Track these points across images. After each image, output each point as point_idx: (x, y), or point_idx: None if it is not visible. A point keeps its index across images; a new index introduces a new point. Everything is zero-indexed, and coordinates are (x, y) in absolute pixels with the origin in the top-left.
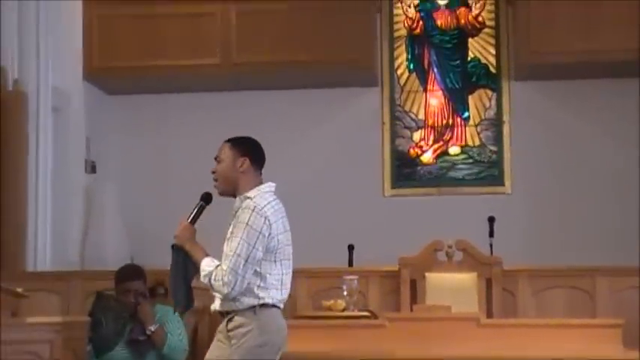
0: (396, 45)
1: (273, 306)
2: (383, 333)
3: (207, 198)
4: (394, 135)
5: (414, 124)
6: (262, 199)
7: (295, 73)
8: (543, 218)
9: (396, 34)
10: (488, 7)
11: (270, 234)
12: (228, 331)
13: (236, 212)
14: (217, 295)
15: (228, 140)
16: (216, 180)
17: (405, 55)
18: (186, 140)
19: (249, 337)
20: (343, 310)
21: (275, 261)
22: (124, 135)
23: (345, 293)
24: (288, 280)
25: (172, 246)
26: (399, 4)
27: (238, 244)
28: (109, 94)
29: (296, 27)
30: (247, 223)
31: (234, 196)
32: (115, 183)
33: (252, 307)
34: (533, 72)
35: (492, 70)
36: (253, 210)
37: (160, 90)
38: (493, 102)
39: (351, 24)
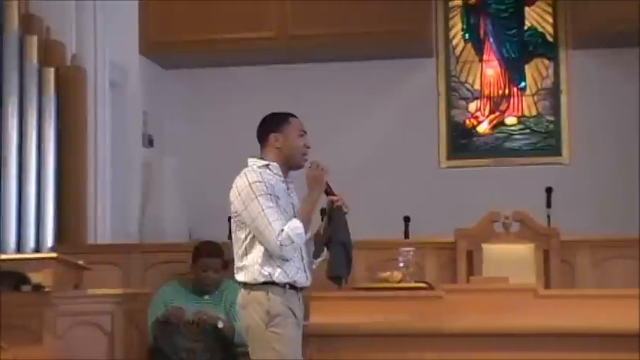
0: (451, 15)
1: None
2: (439, 304)
3: None
4: (450, 106)
5: (469, 95)
6: None
7: (350, 45)
8: (602, 189)
9: (451, 4)
10: None
11: None
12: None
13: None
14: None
15: None
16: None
17: (460, 25)
18: (243, 113)
19: None
20: (399, 281)
21: None
22: (181, 109)
23: (401, 265)
24: None
25: (335, 208)
26: None
27: None
28: (166, 69)
29: None
30: None
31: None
32: (172, 157)
33: None
34: (591, 40)
35: (549, 38)
36: None
37: (216, 64)
38: (550, 71)
39: None
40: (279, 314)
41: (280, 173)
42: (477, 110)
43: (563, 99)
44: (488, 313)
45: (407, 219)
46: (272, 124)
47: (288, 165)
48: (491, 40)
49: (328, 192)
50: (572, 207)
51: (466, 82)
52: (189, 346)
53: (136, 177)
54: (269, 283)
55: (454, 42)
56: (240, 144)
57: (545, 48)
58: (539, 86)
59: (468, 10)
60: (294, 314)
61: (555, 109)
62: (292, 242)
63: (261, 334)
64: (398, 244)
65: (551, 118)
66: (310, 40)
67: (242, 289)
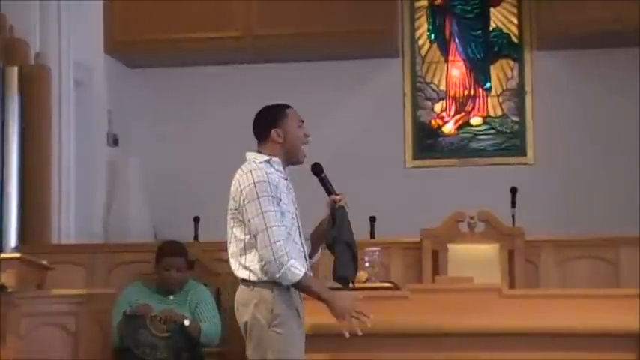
0: (417, 15)
1: None
2: (405, 304)
3: (320, 169)
4: (416, 106)
5: (435, 95)
6: None
7: (316, 46)
8: (566, 189)
9: (417, 5)
10: None
11: None
12: None
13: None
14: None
15: None
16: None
17: (426, 26)
18: (208, 113)
19: None
20: (365, 281)
21: None
22: (146, 108)
23: (367, 265)
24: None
25: (339, 208)
26: None
27: None
28: (131, 68)
29: None
30: None
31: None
32: (137, 156)
33: None
34: (556, 42)
35: (514, 40)
36: None
37: (182, 63)
38: (515, 72)
39: None
40: (283, 313)
41: (281, 169)
42: (442, 111)
43: (528, 100)
44: (453, 312)
45: (373, 219)
46: (271, 120)
47: (289, 158)
48: (456, 40)
49: (330, 191)
50: (537, 207)
51: (432, 82)
52: (153, 342)
53: (101, 176)
54: (273, 281)
55: (420, 42)
56: (205, 143)
57: (510, 49)
58: (505, 87)
59: (433, 11)
60: (298, 313)
61: (520, 110)
62: (280, 268)
63: (263, 332)
64: (364, 244)
65: (516, 119)
66: (276, 39)
67: (242, 285)
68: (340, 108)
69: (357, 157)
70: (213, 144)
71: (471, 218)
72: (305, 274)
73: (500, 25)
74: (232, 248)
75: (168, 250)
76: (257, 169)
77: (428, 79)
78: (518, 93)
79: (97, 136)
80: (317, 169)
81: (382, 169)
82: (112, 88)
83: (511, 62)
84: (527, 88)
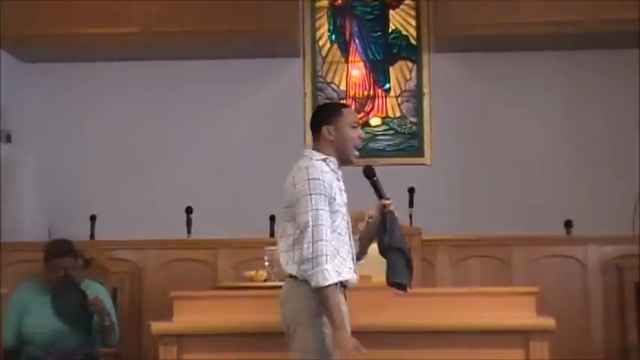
0: (317, 16)
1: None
2: None
3: (372, 172)
4: (316, 106)
5: (335, 96)
6: None
7: (217, 43)
8: (462, 189)
9: (317, 5)
10: None
11: None
12: None
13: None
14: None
15: None
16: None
17: (326, 26)
18: (106, 109)
19: None
20: (265, 280)
21: None
22: (42, 104)
23: (266, 264)
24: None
25: (388, 212)
26: None
27: None
28: (25, 62)
29: None
30: None
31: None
32: (31, 153)
33: None
34: (453, 44)
35: (413, 41)
36: None
37: (79, 58)
38: (413, 74)
39: None
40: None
41: (336, 169)
42: None
43: (426, 101)
44: (350, 311)
45: (272, 218)
46: (324, 116)
47: (341, 158)
48: (357, 41)
49: (381, 195)
50: (434, 207)
51: (332, 82)
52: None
53: None
54: None
55: (320, 43)
56: (101, 140)
57: (409, 51)
58: (403, 88)
59: (334, 12)
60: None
61: (418, 111)
62: (314, 267)
63: (301, 328)
64: (263, 243)
65: (414, 120)
66: (176, 36)
67: (290, 279)
68: (240, 107)
69: (256, 157)
70: (110, 141)
71: (370, 217)
72: (334, 284)
73: (400, 27)
74: (282, 243)
75: (55, 252)
76: (313, 166)
77: (328, 79)
78: (417, 94)
79: None
80: (369, 172)
81: (282, 169)
82: (4, 83)
83: (410, 64)
84: (425, 89)
